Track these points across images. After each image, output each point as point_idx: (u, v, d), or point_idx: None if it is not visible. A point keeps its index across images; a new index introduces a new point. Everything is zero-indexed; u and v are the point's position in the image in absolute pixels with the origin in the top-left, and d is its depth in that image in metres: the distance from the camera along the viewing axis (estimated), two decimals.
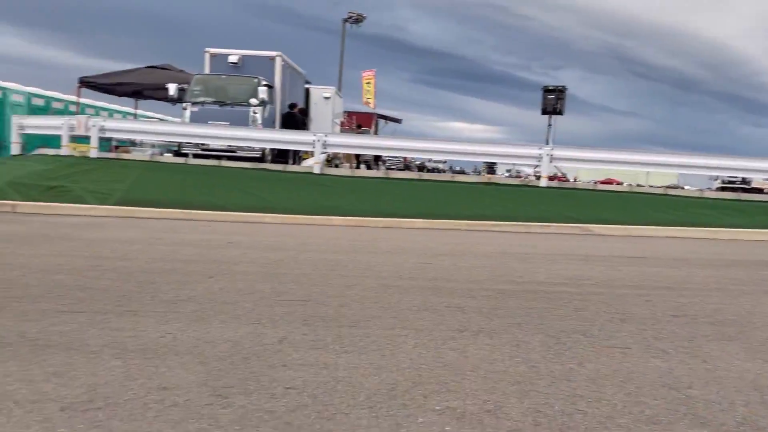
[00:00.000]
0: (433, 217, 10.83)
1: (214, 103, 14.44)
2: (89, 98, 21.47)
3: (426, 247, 7.95)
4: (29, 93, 19.61)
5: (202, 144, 13.89)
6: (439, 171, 33.82)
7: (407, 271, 5.90)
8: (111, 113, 22.71)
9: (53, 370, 2.79)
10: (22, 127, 14.39)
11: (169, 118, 23.78)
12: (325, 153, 13.36)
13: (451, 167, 44.53)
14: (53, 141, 17.79)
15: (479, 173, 26.90)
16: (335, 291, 4.87)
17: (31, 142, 16.25)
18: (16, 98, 19.01)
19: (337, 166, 16.56)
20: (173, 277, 5.11)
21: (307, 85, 18.57)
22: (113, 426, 2.25)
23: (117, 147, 16.17)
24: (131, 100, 23.00)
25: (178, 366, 2.94)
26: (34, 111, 19.28)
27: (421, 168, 34.40)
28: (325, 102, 18.43)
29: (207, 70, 15.75)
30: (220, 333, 3.54)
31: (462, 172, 32.70)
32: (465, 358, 3.29)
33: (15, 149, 14.45)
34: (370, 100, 30.63)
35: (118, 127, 13.63)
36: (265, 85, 14.61)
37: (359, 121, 25.25)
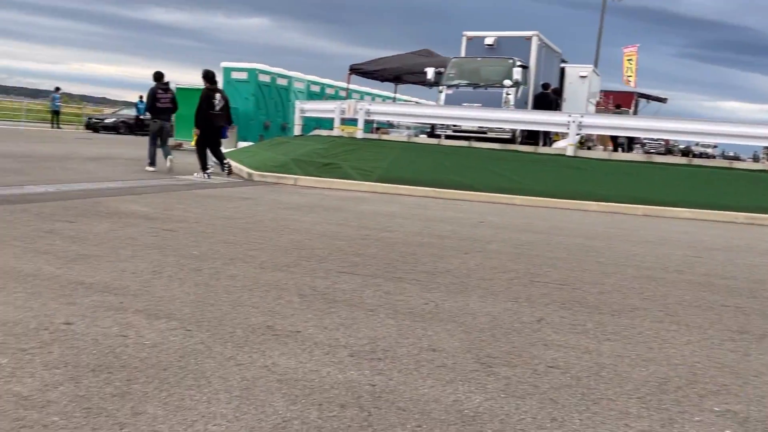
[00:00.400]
0: (701, 207, 9.77)
1: (469, 85, 14.77)
2: (355, 84, 23.56)
3: (695, 239, 7.24)
4: (308, 80, 22.18)
5: (455, 125, 14.35)
6: (707, 156, 30.24)
7: (674, 263, 5.46)
8: (373, 97, 24.63)
9: (340, 321, 3.20)
10: (303, 111, 16.39)
11: (424, 101, 24.96)
12: (579, 134, 12.85)
13: (723, 152, 39.47)
14: (325, 123, 19.92)
15: (759, 160, 23.42)
16: (592, 277, 4.72)
17: (308, 124, 18.43)
18: (297, 85, 21.67)
19: (590, 148, 15.80)
20: (430, 251, 5.44)
21: (562, 65, 17.97)
22: (393, 376, 2.51)
23: (378, 129, 17.51)
24: (392, 85, 24.68)
25: (443, 331, 3.15)
26: (312, 96, 21.78)
27: (686, 153, 31.07)
28: (581, 81, 17.64)
29: (463, 54, 16.15)
30: (479, 306, 3.69)
31: (736, 158, 28.84)
32: (747, 362, 2.97)
33: (297, 130, 16.52)
34: (630, 78, 28.49)
35: (381, 110, 14.74)
36: (519, 66, 14.51)
37: (617, 101, 23.67)
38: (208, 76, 10.99)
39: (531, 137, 14.94)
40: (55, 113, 29.19)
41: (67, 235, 4.88)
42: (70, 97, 53.89)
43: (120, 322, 2.93)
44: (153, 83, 11.75)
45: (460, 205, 9.65)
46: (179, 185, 9.42)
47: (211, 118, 10.80)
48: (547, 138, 15.67)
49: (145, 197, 7.62)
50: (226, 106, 11.11)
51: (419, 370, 2.60)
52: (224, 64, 20.86)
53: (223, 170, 11.19)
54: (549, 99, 15.87)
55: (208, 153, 11.14)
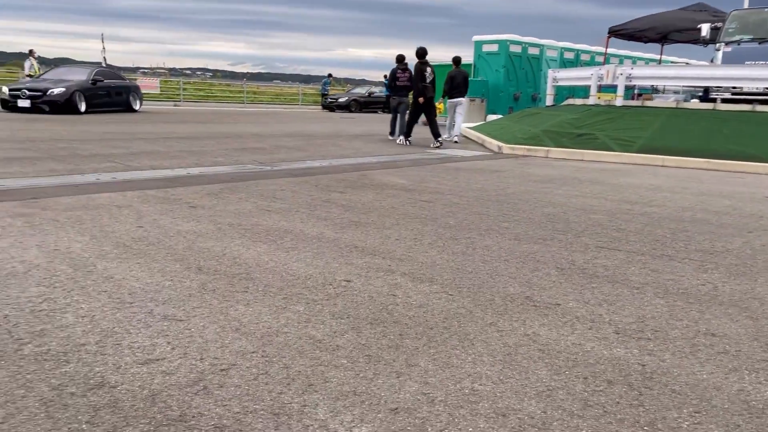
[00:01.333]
0: None
1: (753, 40, 12.79)
2: (613, 48, 21.98)
3: None
4: (561, 48, 21.33)
5: (734, 87, 12.58)
6: None
7: None
8: (634, 61, 22.76)
9: (603, 297, 3.08)
10: (555, 80, 15.85)
11: (694, 62, 22.32)
12: None
13: None
14: (578, 91, 19.00)
15: None
16: None
17: (560, 93, 17.78)
18: (550, 54, 20.99)
19: None
20: (705, 228, 4.90)
21: None
22: (665, 358, 2.35)
23: (639, 95, 16.16)
24: (656, 47, 22.48)
25: (723, 315, 2.84)
26: (565, 64, 20.93)
27: None
28: None
29: (746, 5, 14.02)
30: (767, 291, 3.24)
31: None
32: None
33: (548, 100, 16.06)
34: None
35: (644, 74, 13.54)
36: None
37: None
38: (419, 53, 12.09)
39: None
40: (324, 96, 32.56)
41: (341, 204, 5.45)
42: (336, 81, 59.56)
43: (389, 282, 3.20)
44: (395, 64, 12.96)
45: (741, 178, 8.50)
46: (432, 159, 9.85)
47: (423, 89, 12.01)
48: None
49: (402, 170, 8.14)
50: (434, 79, 12.21)
51: (695, 354, 2.39)
52: (475, 37, 21.08)
53: (436, 142, 12.07)
54: None
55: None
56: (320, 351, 2.31)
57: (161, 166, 7.32)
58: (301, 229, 4.32)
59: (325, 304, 2.83)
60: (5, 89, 16.64)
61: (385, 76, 27.77)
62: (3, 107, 16.46)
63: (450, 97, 13.77)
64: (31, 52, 20.84)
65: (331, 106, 30.01)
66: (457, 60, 13.97)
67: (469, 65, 21.22)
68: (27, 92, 16.11)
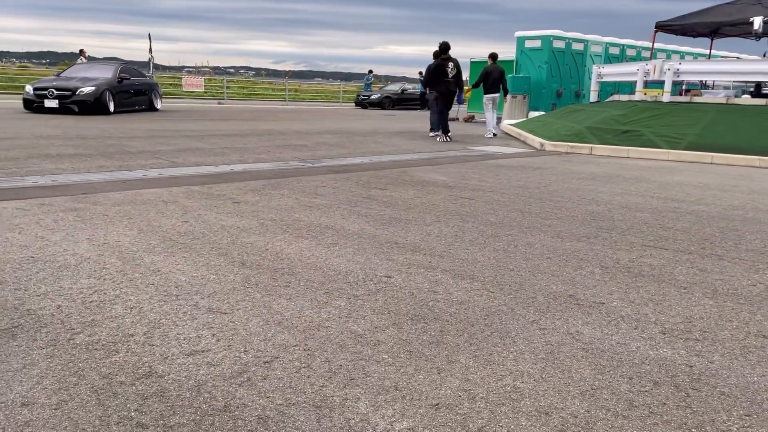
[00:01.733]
0: None
1: None
2: (660, 43, 21.41)
3: None
4: (606, 43, 20.89)
5: None
6: None
7: None
8: (682, 56, 22.13)
9: (649, 296, 3.01)
10: (600, 76, 15.53)
11: (745, 56, 21.58)
12: None
13: None
14: (623, 87, 18.59)
15: None
16: None
17: (604, 89, 17.41)
18: (594, 49, 20.58)
19: None
20: (756, 227, 4.74)
21: None
22: (714, 359, 2.28)
23: (687, 91, 15.71)
24: (705, 41, 21.78)
25: None
26: (610, 60, 20.50)
27: None
28: None
29: None
30: None
31: None
32: None
33: (593, 97, 15.75)
34: None
35: (693, 69, 13.15)
36: None
37: None
38: (442, 48, 12.25)
39: None
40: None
41: (381, 200, 5.47)
42: (376, 78, 59.73)
43: (430, 279, 3.20)
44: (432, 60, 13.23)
45: None
46: (473, 156, 9.79)
47: (445, 84, 12.21)
48: None
49: (443, 167, 8.11)
50: (458, 73, 12.32)
51: (746, 356, 2.31)
52: (518, 33, 20.82)
53: (442, 135, 12.35)
54: None
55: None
56: (361, 345, 2.33)
57: (205, 163, 7.47)
58: (342, 225, 4.35)
59: (366, 300, 2.85)
60: (29, 88, 15.31)
61: (420, 73, 27.72)
62: (26, 108, 15.29)
63: (486, 92, 14.03)
64: (81, 51, 21.49)
65: (363, 104, 29.81)
66: (494, 56, 14.19)
67: (511, 62, 20.98)
68: (54, 92, 14.97)
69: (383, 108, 28.83)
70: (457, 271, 3.35)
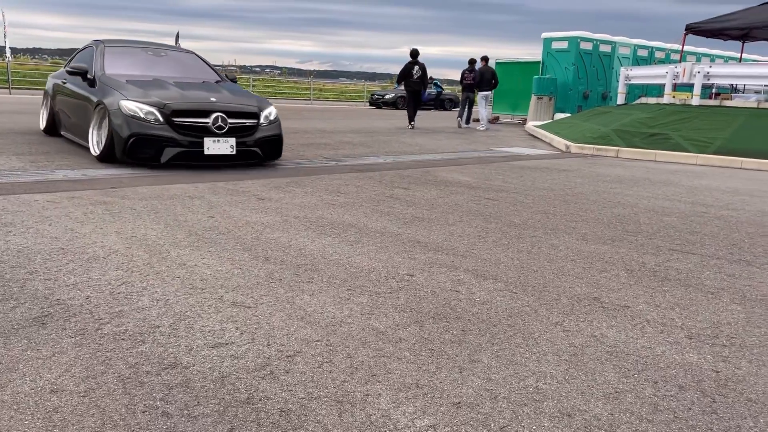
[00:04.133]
0: None
1: None
2: (690, 45, 21.06)
3: None
4: (635, 45, 20.61)
5: None
6: None
7: None
8: (713, 59, 21.74)
9: (675, 301, 2.97)
10: (628, 78, 15.33)
11: None
12: None
13: None
14: (651, 90, 18.32)
15: None
16: None
17: (632, 91, 17.17)
18: (622, 51, 20.32)
19: None
20: None
21: None
22: (741, 365, 2.25)
23: (717, 94, 15.43)
24: (737, 45, 21.37)
25: None
26: (638, 62, 20.22)
27: None
28: None
29: None
30: None
31: None
32: None
33: (620, 99, 15.56)
34: None
35: (723, 72, 12.91)
36: None
37: None
38: (411, 53, 14.88)
39: None
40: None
41: (404, 199, 5.47)
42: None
43: (452, 278, 3.19)
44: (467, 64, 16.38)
45: None
46: (497, 157, 9.73)
47: (411, 83, 14.69)
48: None
49: (466, 167, 8.08)
50: (423, 75, 14.79)
51: None
52: (544, 34, 20.64)
53: (408, 124, 14.84)
54: None
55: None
56: (383, 342, 2.33)
57: None
58: (364, 224, 4.36)
59: (388, 297, 2.85)
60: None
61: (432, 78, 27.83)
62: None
63: (479, 90, 16.33)
64: None
65: (378, 103, 29.58)
66: (485, 58, 16.53)
67: (537, 63, 20.81)
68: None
69: (397, 107, 28.66)
70: (480, 271, 3.34)
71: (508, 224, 4.60)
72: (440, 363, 2.18)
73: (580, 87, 20.01)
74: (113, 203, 4.64)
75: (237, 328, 2.40)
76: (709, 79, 12.46)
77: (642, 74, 15.30)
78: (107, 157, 6.47)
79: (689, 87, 12.58)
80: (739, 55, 22.02)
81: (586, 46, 19.73)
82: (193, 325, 2.42)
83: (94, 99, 6.76)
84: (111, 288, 2.79)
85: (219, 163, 6.62)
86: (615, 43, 20.32)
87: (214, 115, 6.47)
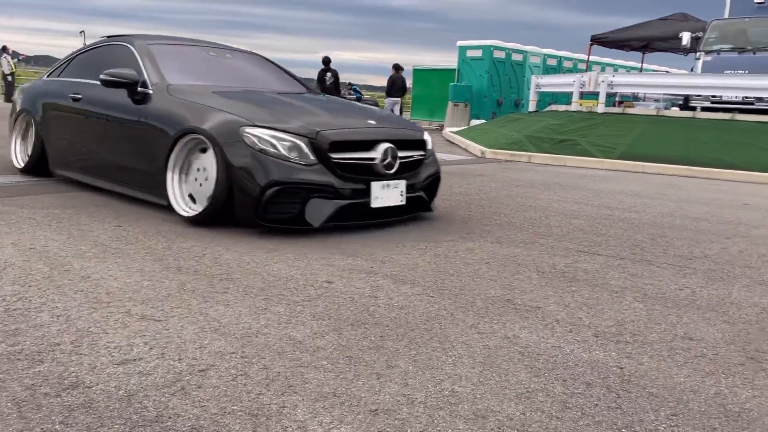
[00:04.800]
0: None
1: (733, 50, 13.01)
2: (596, 55, 22.22)
3: None
4: (545, 54, 21.52)
5: (714, 96, 12.79)
6: None
7: None
8: (616, 69, 23.01)
9: (583, 300, 3.10)
10: (538, 86, 15.96)
11: (674, 70, 22.63)
12: None
13: None
14: (561, 98, 19.16)
15: None
16: None
17: (542, 99, 17.89)
18: (533, 60, 21.16)
19: None
20: (684, 234, 4.96)
21: None
22: (643, 361, 2.37)
23: (620, 102, 16.33)
24: (636, 56, 22.77)
25: (701, 320, 2.87)
26: (548, 71, 21.11)
27: None
28: None
29: (726, 15, 14.27)
30: (744, 296, 3.29)
31: None
32: None
33: (531, 106, 16.17)
34: None
35: (626, 82, 13.68)
36: None
37: None
38: (323, 61, 15.54)
39: None
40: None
41: None
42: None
43: (371, 284, 3.20)
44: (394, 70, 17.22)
45: (719, 185, 8.63)
46: None
47: (323, 90, 14.37)
48: None
49: None
50: (335, 81, 15.44)
51: (673, 357, 2.41)
52: (460, 42, 21.19)
53: None
54: None
55: None
56: (300, 352, 2.29)
57: None
58: (283, 230, 4.30)
59: (306, 305, 2.82)
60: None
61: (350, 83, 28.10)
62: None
63: (388, 95, 17.13)
64: (4, 48, 20.52)
65: None
66: (397, 67, 17.21)
67: (454, 70, 21.31)
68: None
69: None
70: (398, 277, 3.36)
71: (426, 229, 4.65)
72: (358, 370, 2.17)
73: (494, 94, 20.65)
74: (10, 213, 4.34)
75: (146, 343, 2.29)
76: (612, 88, 13.17)
77: (551, 83, 15.98)
78: (206, 220, 4.22)
79: (595, 95, 13.25)
80: (640, 65, 23.44)
81: (499, 54, 20.40)
82: (97, 341, 2.29)
83: (169, 124, 4.43)
84: (6, 305, 2.60)
85: (382, 220, 4.54)
86: (526, 52, 21.12)
87: (382, 148, 4.36)
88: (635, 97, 17.12)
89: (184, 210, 4.37)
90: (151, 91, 4.72)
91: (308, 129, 4.19)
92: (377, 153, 4.33)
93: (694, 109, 12.75)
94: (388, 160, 4.38)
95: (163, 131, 4.46)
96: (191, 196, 4.42)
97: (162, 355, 2.20)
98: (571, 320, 2.79)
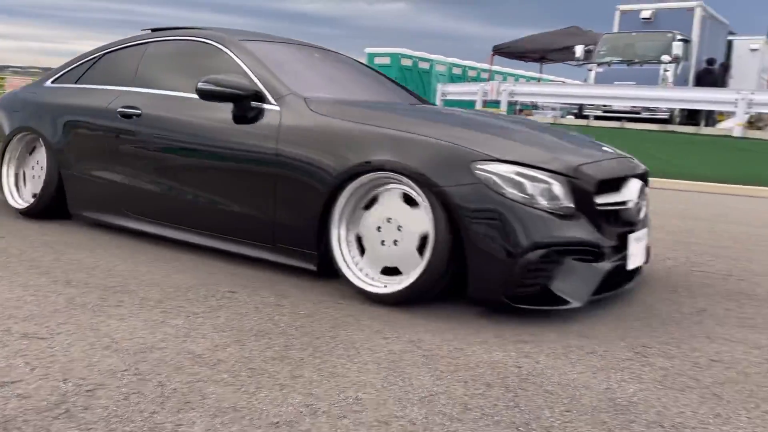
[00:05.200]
0: None
1: (622, 62, 13.93)
2: (498, 65, 23.09)
3: None
4: (450, 63, 22.09)
5: (605, 105, 13.63)
6: None
7: None
8: (517, 78, 23.99)
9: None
10: (444, 94, 16.38)
11: (570, 80, 23.90)
12: (748, 113, 11.65)
13: None
14: (467, 106, 19.74)
15: None
16: (762, 269, 4.29)
17: (448, 106, 18.35)
18: (439, 68, 21.66)
19: (760, 128, 14.26)
20: None
21: (730, 37, 16.34)
22: (540, 359, 2.46)
23: (521, 111, 17.05)
24: (535, 66, 23.85)
25: (593, 318, 3.02)
26: (453, 79, 21.67)
27: None
28: (752, 55, 15.94)
29: (616, 29, 15.24)
30: (634, 295, 3.49)
31: None
32: None
33: None
34: None
35: (525, 91, 14.35)
36: (680, 40, 13.41)
37: None
38: None
39: (691, 117, 13.81)
40: None
41: None
42: None
43: (277, 292, 3.13)
44: None
45: None
46: None
47: None
48: (710, 118, 14.39)
49: None
50: None
51: (568, 355, 2.52)
52: (368, 49, 21.36)
53: None
54: (713, 75, 14.55)
55: None
56: (199, 366, 2.21)
57: None
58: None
59: (207, 317, 2.72)
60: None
61: None
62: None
63: None
64: None
65: None
66: None
67: None
68: None
69: None
70: (306, 285, 3.31)
71: None
72: (261, 382, 2.11)
73: None
74: None
75: (27, 363, 2.13)
76: (513, 97, 13.74)
77: (457, 91, 16.46)
78: (407, 298, 2.93)
79: (498, 103, 13.75)
80: (538, 75, 24.56)
81: (407, 62, 20.75)
82: None
83: (329, 156, 3.07)
84: None
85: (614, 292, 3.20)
86: (432, 60, 21.61)
87: (635, 187, 3.18)
88: (534, 106, 17.94)
89: (366, 287, 3.02)
90: (275, 107, 3.32)
91: (564, 163, 2.90)
92: (630, 194, 3.12)
93: (587, 117, 13.53)
94: (640, 204, 3.22)
95: (316, 167, 3.09)
96: (387, 270, 3.01)
97: (45, 375, 2.05)
98: (474, 324, 2.86)
